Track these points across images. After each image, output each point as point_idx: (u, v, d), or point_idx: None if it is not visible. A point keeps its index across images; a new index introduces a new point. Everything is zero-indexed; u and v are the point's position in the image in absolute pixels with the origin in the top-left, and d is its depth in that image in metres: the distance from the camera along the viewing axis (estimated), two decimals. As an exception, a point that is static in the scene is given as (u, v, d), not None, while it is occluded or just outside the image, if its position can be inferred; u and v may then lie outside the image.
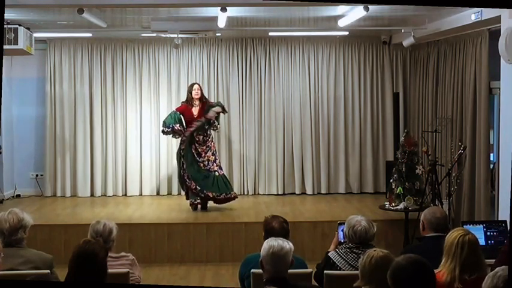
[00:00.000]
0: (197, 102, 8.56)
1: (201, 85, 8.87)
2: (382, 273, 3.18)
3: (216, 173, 8.53)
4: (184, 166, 8.51)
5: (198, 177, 8.47)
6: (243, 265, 4.59)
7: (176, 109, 8.73)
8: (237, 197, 8.74)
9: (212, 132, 8.83)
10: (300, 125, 10.15)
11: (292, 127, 10.18)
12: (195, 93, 8.55)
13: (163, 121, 8.72)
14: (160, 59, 10.16)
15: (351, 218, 4.44)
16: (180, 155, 8.58)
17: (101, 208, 9.16)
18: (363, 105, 10.25)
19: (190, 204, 8.66)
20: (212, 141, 8.75)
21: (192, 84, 8.75)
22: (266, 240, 3.77)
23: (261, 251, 3.72)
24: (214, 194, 8.49)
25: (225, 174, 8.83)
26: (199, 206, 8.66)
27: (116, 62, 10.15)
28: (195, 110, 8.54)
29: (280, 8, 7.39)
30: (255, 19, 8.52)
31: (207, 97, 8.96)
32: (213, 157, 8.60)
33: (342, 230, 4.64)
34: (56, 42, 10.02)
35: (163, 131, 8.68)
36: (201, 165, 8.51)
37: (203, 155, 8.53)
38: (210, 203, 8.67)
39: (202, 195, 8.50)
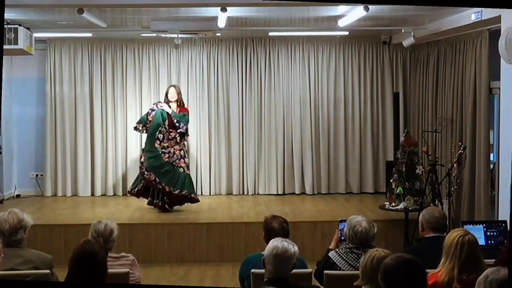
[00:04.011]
0: (174, 105, 8.60)
1: (179, 88, 8.85)
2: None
3: (181, 169, 8.43)
4: (142, 159, 8.56)
5: (158, 168, 8.41)
6: (243, 265, 4.59)
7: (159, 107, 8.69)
8: (196, 201, 8.61)
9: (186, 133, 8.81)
10: (300, 125, 10.15)
11: (292, 127, 10.18)
12: (171, 96, 8.59)
13: (141, 118, 8.83)
14: (160, 59, 10.16)
15: (352, 218, 4.44)
16: (141, 149, 8.73)
17: (101, 208, 9.17)
18: (363, 105, 10.25)
19: (149, 204, 8.61)
20: (182, 140, 8.62)
21: (169, 86, 8.81)
22: (272, 240, 3.77)
23: (265, 249, 3.73)
24: (171, 188, 8.39)
25: (191, 176, 8.71)
26: (165, 206, 8.62)
27: (116, 62, 10.15)
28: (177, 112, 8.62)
29: (280, 8, 7.39)
30: (255, 19, 8.52)
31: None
32: (180, 153, 8.50)
33: (343, 228, 4.65)
34: (56, 42, 10.03)
35: (135, 128, 8.76)
36: (165, 156, 8.44)
37: (169, 147, 8.47)
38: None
39: (160, 187, 8.42)
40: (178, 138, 8.53)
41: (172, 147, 8.50)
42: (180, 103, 8.63)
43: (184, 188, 8.46)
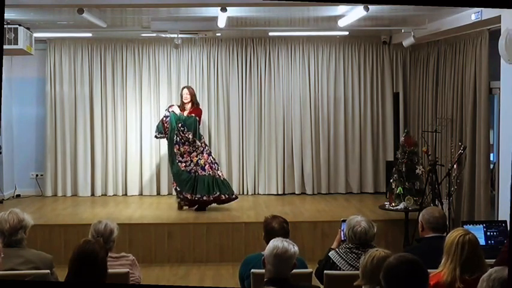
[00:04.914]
0: (189, 106, 8.64)
1: (193, 88, 8.94)
2: (383, 273, 3.18)
3: (196, 174, 8.48)
4: (169, 165, 8.75)
5: (178, 178, 8.54)
6: (243, 265, 4.59)
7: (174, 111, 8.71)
8: (228, 199, 8.63)
9: (202, 133, 8.95)
10: (300, 125, 10.15)
11: (292, 127, 10.18)
12: (185, 98, 8.65)
13: (157, 126, 8.85)
14: (160, 59, 10.16)
15: (351, 218, 4.44)
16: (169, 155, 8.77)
17: (101, 208, 9.17)
18: (363, 105, 10.24)
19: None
20: (199, 142, 8.63)
21: (183, 88, 8.85)
22: (272, 240, 3.77)
23: (266, 249, 3.73)
24: (193, 195, 8.48)
25: (215, 175, 8.62)
26: (184, 206, 8.71)
27: (116, 62, 10.15)
28: (186, 114, 8.64)
29: (280, 8, 7.39)
30: (255, 19, 8.52)
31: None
32: (197, 158, 8.54)
33: (344, 229, 4.65)
34: (56, 42, 10.03)
35: (156, 136, 8.88)
36: (182, 165, 8.51)
37: (185, 155, 8.52)
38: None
39: (181, 197, 8.55)
40: (192, 142, 8.55)
41: (189, 155, 8.52)
42: (194, 104, 8.67)
43: (205, 192, 8.47)
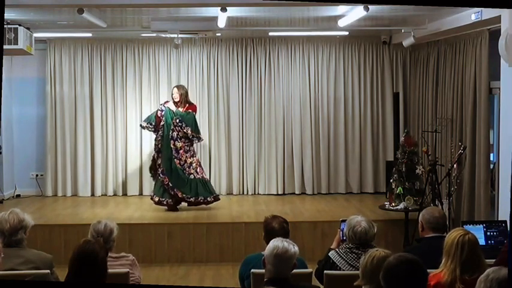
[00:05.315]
0: (181, 104, 8.66)
1: (183, 87, 8.90)
2: (383, 273, 3.18)
3: (191, 176, 8.54)
4: (160, 161, 8.60)
5: (174, 174, 8.51)
6: (243, 265, 4.59)
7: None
8: (216, 200, 8.70)
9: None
10: (300, 125, 10.15)
11: (292, 127, 10.18)
12: (174, 97, 8.67)
13: (148, 116, 8.87)
14: (160, 59, 10.16)
15: (352, 218, 4.44)
16: (158, 149, 8.66)
17: (101, 208, 9.17)
18: (363, 105, 10.25)
19: (157, 203, 8.62)
20: (197, 142, 8.78)
21: (173, 87, 8.89)
22: (272, 240, 3.78)
23: (266, 249, 3.73)
24: (184, 195, 8.51)
25: (204, 177, 8.74)
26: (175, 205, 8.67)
27: (116, 62, 10.15)
28: (183, 110, 8.67)
29: (280, 8, 7.39)
30: (255, 19, 8.52)
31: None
32: (190, 160, 8.59)
33: (343, 229, 4.65)
34: (56, 42, 10.03)
35: (141, 125, 8.95)
36: (177, 162, 8.52)
37: (181, 151, 8.54)
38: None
39: (172, 193, 8.52)
40: (190, 139, 8.57)
41: (184, 153, 8.54)
42: (185, 103, 8.66)
43: (199, 194, 8.54)
